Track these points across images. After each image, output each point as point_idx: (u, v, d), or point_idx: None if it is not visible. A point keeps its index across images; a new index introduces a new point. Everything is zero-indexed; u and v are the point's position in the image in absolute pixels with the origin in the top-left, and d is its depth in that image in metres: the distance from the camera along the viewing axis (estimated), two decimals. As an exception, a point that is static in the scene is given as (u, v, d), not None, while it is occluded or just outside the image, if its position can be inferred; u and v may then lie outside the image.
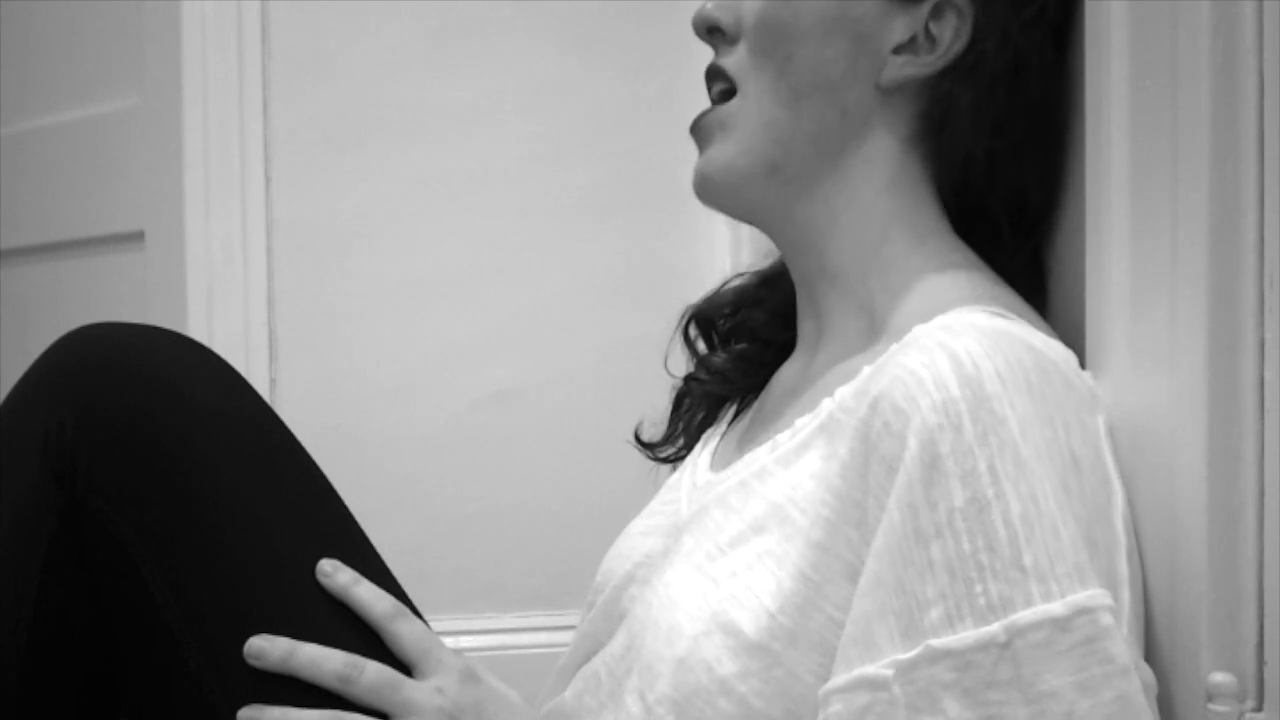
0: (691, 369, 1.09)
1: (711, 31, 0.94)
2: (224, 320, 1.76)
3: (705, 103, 0.96)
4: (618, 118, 1.80)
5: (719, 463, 0.98)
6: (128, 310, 1.83)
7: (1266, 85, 0.72)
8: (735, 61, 0.92)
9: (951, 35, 0.90)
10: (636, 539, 0.98)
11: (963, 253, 0.92)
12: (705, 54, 0.96)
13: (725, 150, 0.92)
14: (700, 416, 1.07)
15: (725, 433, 1.03)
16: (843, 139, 0.91)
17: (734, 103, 0.92)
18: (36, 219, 2.05)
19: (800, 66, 0.90)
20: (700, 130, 0.95)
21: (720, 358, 1.06)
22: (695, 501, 0.91)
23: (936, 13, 0.90)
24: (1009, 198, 0.94)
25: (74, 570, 0.89)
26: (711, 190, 0.94)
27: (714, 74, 0.94)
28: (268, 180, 1.78)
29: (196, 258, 1.77)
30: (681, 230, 1.79)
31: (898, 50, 0.90)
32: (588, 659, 0.96)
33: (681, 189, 1.74)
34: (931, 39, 0.90)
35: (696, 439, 1.06)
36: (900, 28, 0.90)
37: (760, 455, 0.87)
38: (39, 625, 0.89)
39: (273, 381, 1.78)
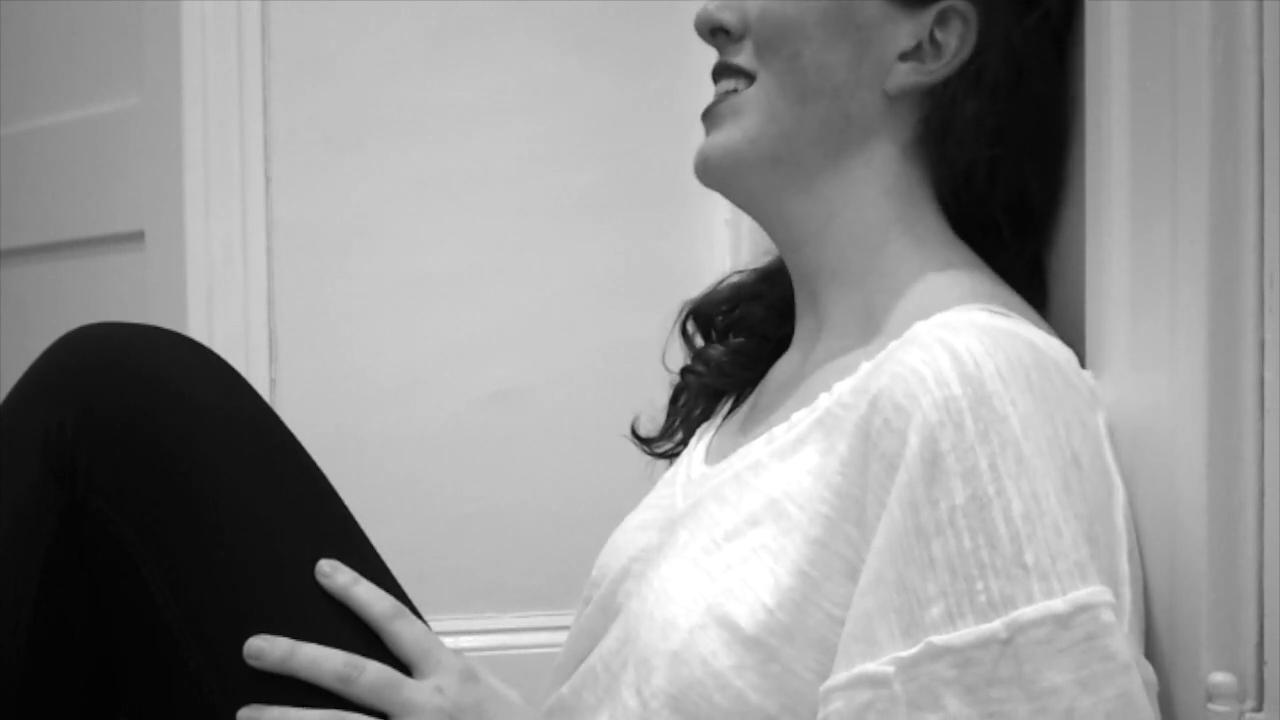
0: (689, 363, 1.09)
1: (715, 33, 0.94)
2: (224, 320, 1.76)
3: (705, 103, 0.96)
4: (618, 118, 1.80)
5: (714, 456, 0.98)
6: (128, 310, 1.83)
7: (1266, 85, 0.72)
8: (746, 57, 0.92)
9: (957, 43, 0.90)
10: (632, 533, 0.98)
11: (962, 252, 0.93)
12: (706, 53, 0.96)
13: (730, 135, 0.92)
14: (697, 411, 1.07)
15: (720, 426, 1.03)
16: (845, 142, 0.91)
17: (746, 94, 0.92)
18: (36, 219, 2.05)
19: (806, 67, 0.90)
20: (711, 115, 0.95)
21: (717, 350, 1.07)
22: (690, 495, 0.91)
23: (942, 20, 0.90)
24: (1011, 202, 0.94)
25: (74, 570, 0.89)
26: (711, 172, 0.94)
27: (723, 71, 0.94)
28: (268, 180, 1.78)
29: (196, 258, 1.77)
30: (681, 230, 1.79)
31: (903, 57, 0.90)
32: (584, 654, 0.96)
33: (681, 189, 1.75)
34: (937, 46, 0.90)
35: (693, 433, 1.06)
36: (905, 34, 0.90)
37: (755, 448, 0.87)
38: (39, 625, 0.88)
39: (273, 381, 1.78)
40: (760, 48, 0.91)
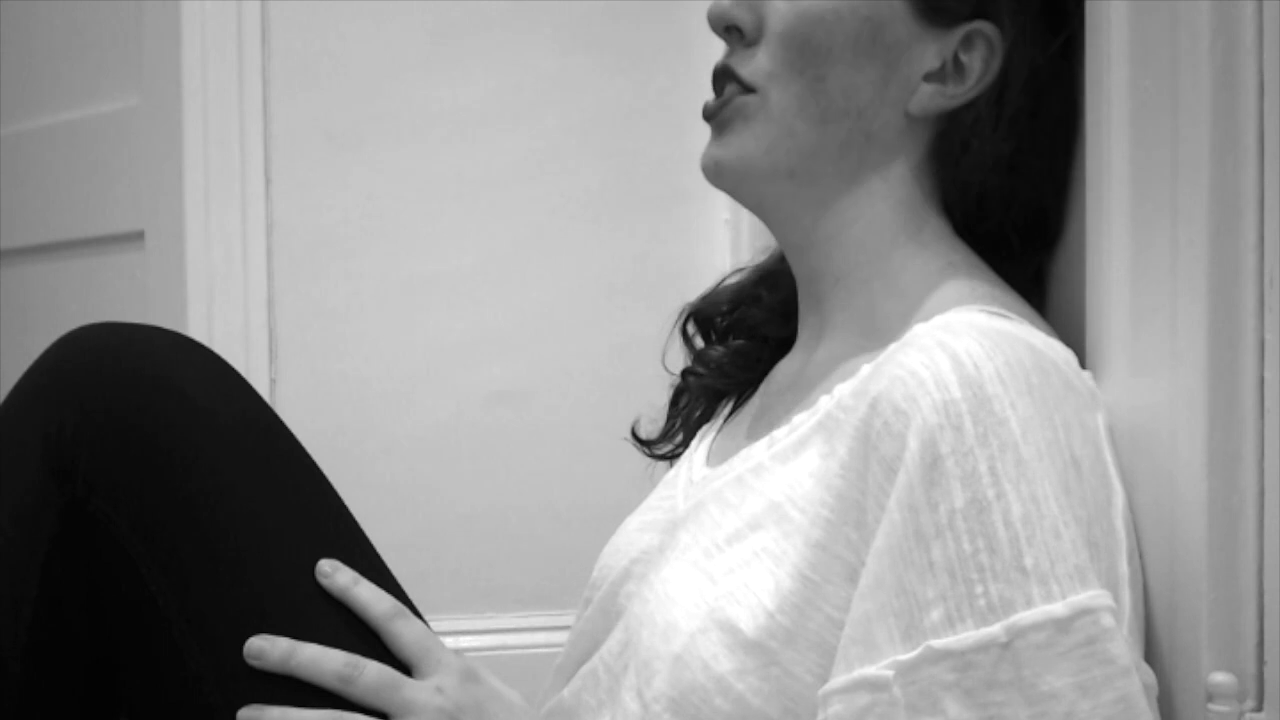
0: (689, 364, 1.09)
1: (730, 30, 0.92)
2: (224, 320, 1.76)
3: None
4: (618, 118, 1.80)
5: (715, 458, 0.98)
6: (128, 310, 1.83)
7: (1266, 85, 0.72)
8: (753, 70, 0.90)
9: (981, 66, 0.89)
10: (633, 535, 0.97)
11: (965, 254, 0.92)
12: (706, 54, 0.96)
13: (745, 143, 0.91)
14: (698, 413, 1.07)
15: (722, 428, 1.03)
16: (863, 160, 0.91)
17: (755, 99, 0.90)
18: (36, 219, 2.05)
19: (831, 89, 0.89)
20: (717, 119, 0.92)
21: (718, 351, 1.06)
22: (691, 497, 0.91)
23: (968, 42, 0.89)
24: (1022, 219, 0.93)
25: (74, 571, 0.89)
26: (725, 177, 0.93)
27: (724, 75, 0.92)
28: (268, 180, 1.78)
29: (196, 258, 1.77)
30: (682, 231, 1.79)
31: (928, 78, 0.89)
32: (585, 656, 0.96)
33: (682, 189, 1.75)
34: (960, 68, 0.89)
35: (694, 434, 1.06)
36: (931, 55, 0.89)
37: (757, 451, 0.87)
38: (39, 626, 0.88)
39: (273, 381, 1.78)
40: (779, 65, 0.89)
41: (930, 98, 0.89)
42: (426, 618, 0.92)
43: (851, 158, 0.90)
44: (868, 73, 0.89)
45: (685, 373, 1.08)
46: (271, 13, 1.78)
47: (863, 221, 0.92)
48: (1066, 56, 0.91)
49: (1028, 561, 0.70)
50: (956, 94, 0.89)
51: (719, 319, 1.07)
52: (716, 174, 0.93)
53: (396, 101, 1.79)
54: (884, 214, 0.91)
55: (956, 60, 0.89)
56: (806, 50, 0.88)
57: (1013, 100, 0.89)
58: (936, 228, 0.93)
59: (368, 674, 0.86)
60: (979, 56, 0.89)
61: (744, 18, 0.91)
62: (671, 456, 1.08)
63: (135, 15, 1.88)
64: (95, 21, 1.98)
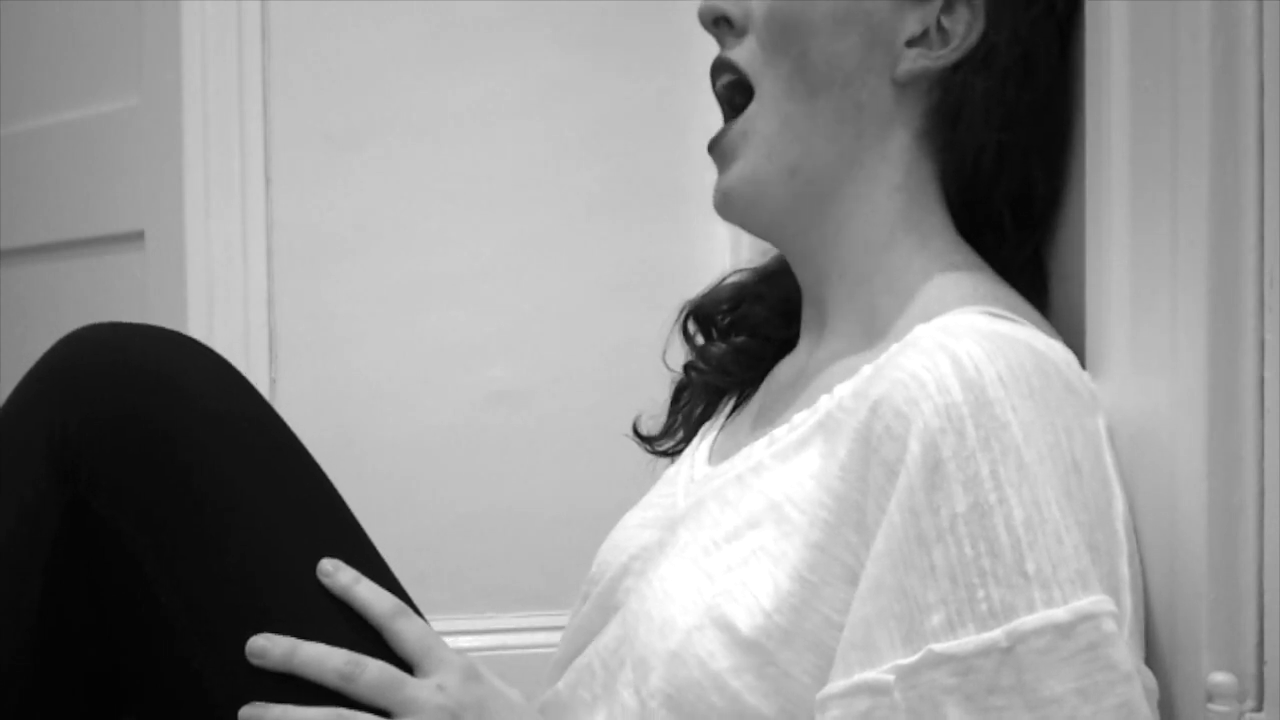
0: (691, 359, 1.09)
1: (718, 22, 0.94)
2: (224, 320, 1.76)
3: (707, 103, 0.96)
4: (618, 119, 1.80)
5: (716, 456, 0.98)
6: (128, 310, 1.83)
7: (1266, 85, 0.72)
8: (746, 55, 0.93)
9: (964, 29, 0.90)
10: (632, 531, 0.98)
11: (965, 254, 0.92)
12: (706, 55, 0.96)
13: (747, 162, 0.92)
14: (699, 409, 1.07)
15: (723, 426, 1.03)
16: (859, 134, 0.91)
17: (751, 107, 0.92)
18: (36, 219, 2.05)
19: (815, 61, 0.90)
20: (720, 149, 0.95)
21: (720, 349, 1.06)
22: (691, 495, 0.91)
23: (948, 7, 0.90)
24: (1015, 192, 0.94)
25: (77, 570, 0.89)
26: (734, 204, 0.94)
27: (721, 66, 0.94)
28: (268, 180, 1.78)
29: (196, 258, 1.77)
30: (682, 231, 1.79)
31: (911, 44, 0.90)
32: (581, 651, 0.96)
33: (682, 190, 1.75)
34: (944, 32, 0.90)
35: (695, 432, 1.06)
36: (913, 21, 0.90)
37: (757, 450, 0.87)
38: (41, 625, 0.88)
39: (273, 382, 1.78)
40: (766, 49, 0.91)
41: (915, 60, 0.90)
42: (426, 618, 0.92)
43: (847, 134, 0.91)
44: (849, 40, 0.90)
45: (687, 367, 1.08)
46: (271, 13, 1.78)
47: (864, 211, 0.92)
48: (1050, 27, 0.91)
49: (1029, 566, 0.70)
50: (942, 54, 0.90)
51: (720, 316, 1.08)
52: (726, 205, 0.95)
53: (396, 102, 1.79)
54: (882, 200, 0.92)
55: (939, 26, 0.90)
56: (789, 27, 0.90)
57: (1001, 57, 0.90)
58: (937, 224, 0.93)
59: (369, 672, 0.86)
60: (961, 20, 0.90)
61: (731, 9, 0.93)
62: (673, 453, 1.08)
63: (135, 15, 1.88)
64: (95, 21, 1.98)
